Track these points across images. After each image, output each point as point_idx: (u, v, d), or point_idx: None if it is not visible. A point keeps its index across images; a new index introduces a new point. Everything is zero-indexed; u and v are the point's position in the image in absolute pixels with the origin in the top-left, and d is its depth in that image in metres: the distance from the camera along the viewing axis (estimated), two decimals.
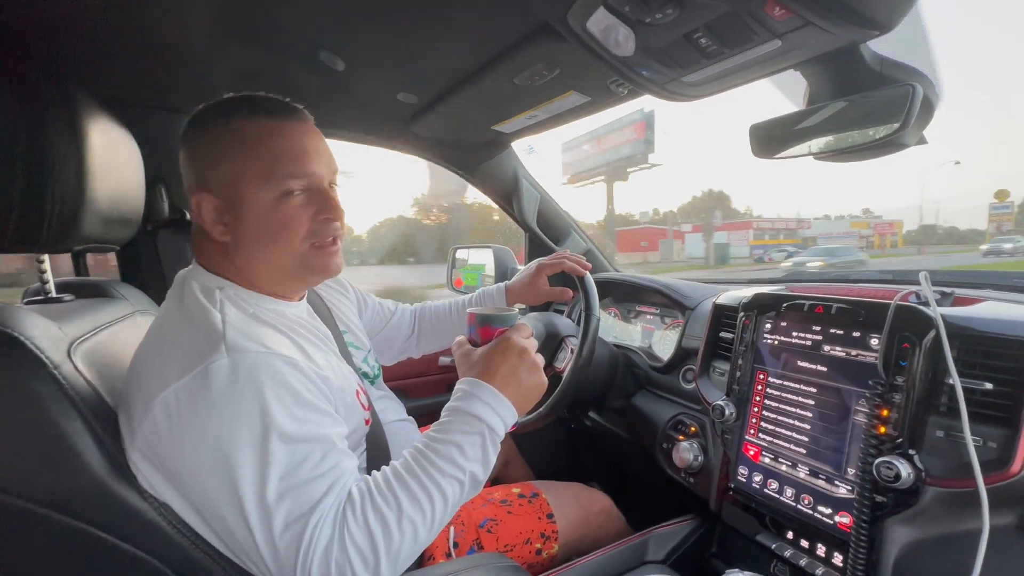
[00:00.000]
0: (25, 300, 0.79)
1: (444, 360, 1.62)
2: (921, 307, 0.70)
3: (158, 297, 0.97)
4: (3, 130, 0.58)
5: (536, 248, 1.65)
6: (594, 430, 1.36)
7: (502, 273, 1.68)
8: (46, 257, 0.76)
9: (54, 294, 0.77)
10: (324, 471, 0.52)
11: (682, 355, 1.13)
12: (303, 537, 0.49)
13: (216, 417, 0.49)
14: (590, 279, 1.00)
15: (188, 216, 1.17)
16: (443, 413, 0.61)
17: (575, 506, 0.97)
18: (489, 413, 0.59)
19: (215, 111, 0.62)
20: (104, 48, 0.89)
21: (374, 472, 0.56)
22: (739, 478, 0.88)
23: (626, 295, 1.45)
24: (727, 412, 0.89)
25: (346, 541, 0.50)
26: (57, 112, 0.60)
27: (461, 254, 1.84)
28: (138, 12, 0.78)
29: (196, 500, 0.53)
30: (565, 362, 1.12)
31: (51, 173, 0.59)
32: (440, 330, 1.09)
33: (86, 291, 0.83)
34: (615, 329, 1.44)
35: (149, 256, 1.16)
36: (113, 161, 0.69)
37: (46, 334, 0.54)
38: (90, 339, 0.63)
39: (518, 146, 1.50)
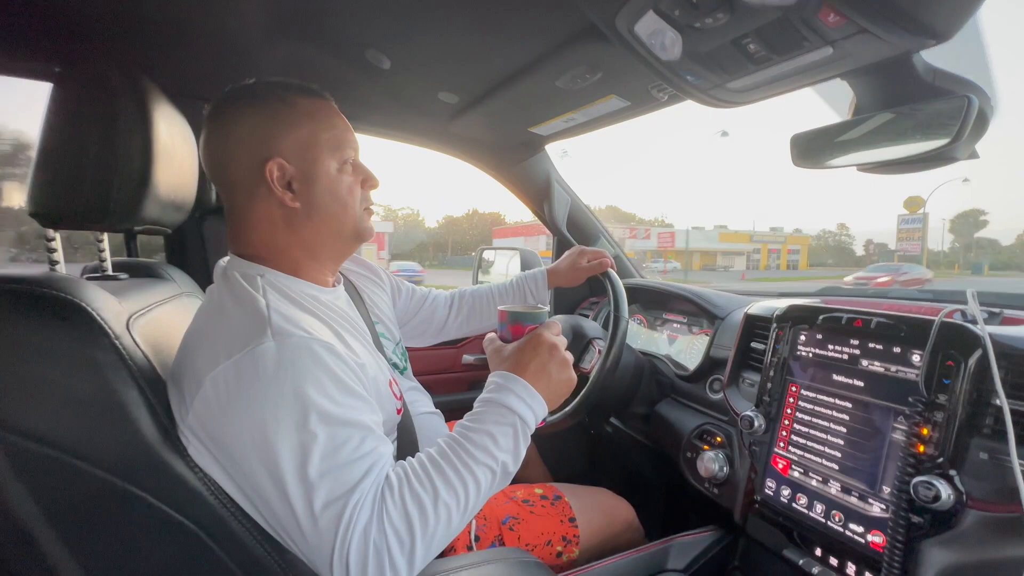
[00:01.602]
0: (84, 276, 0.84)
1: (467, 358, 1.63)
2: (968, 325, 0.68)
3: (201, 280, 1.01)
4: (80, 117, 0.62)
5: (564, 251, 1.65)
6: (615, 436, 1.35)
7: None
8: (105, 237, 0.81)
9: (111, 272, 0.81)
10: (363, 454, 0.53)
11: (710, 365, 1.12)
12: (343, 516, 0.50)
13: (262, 397, 0.51)
14: (619, 282, 1.01)
15: None
16: (476, 404, 0.62)
17: (599, 513, 0.97)
18: (521, 405, 0.60)
19: (266, 88, 0.65)
20: (166, 41, 0.94)
21: (409, 458, 0.57)
22: (766, 491, 0.86)
23: (653, 302, 1.44)
24: (756, 424, 0.88)
25: (384, 522, 0.51)
26: (127, 102, 0.64)
27: (488, 255, 1.86)
28: (197, 7, 0.82)
29: (240, 475, 0.55)
30: (592, 363, 1.12)
31: (120, 158, 0.63)
32: (483, 311, 1.13)
33: (138, 271, 0.87)
34: (641, 336, 1.43)
35: (194, 241, 1.21)
36: (173, 149, 0.72)
37: (108, 307, 0.57)
38: (145, 315, 0.66)
39: (552, 150, 1.52)
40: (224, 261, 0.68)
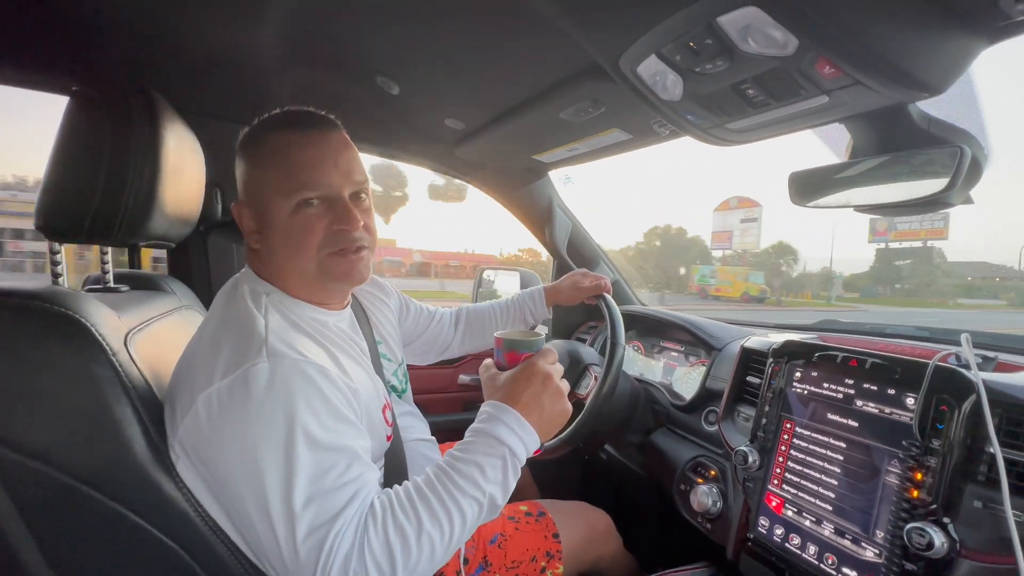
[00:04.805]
0: (86, 288, 0.84)
1: (464, 379, 1.63)
2: (961, 370, 0.68)
3: (202, 293, 1.02)
4: (94, 133, 0.63)
5: (563, 274, 1.66)
6: (608, 463, 1.34)
7: None
8: (109, 250, 0.82)
9: (112, 284, 0.82)
10: (348, 480, 0.53)
11: (705, 396, 1.12)
12: (324, 545, 0.49)
13: (253, 419, 0.51)
14: (616, 309, 1.01)
15: None
16: (467, 434, 0.61)
17: (581, 525, 0.98)
18: (512, 437, 0.59)
19: (258, 126, 0.66)
20: (182, 62, 0.96)
21: (396, 487, 0.57)
22: (759, 529, 0.85)
23: (650, 330, 1.45)
24: (750, 459, 0.87)
25: (365, 552, 0.50)
26: (141, 120, 0.66)
27: (488, 275, 1.87)
28: (216, 31, 0.85)
29: (225, 498, 0.54)
30: (588, 389, 1.12)
31: (130, 175, 0.64)
32: (484, 329, 1.13)
33: (140, 283, 0.88)
34: (637, 363, 1.43)
35: (197, 254, 1.22)
36: (182, 166, 0.74)
37: (107, 322, 0.58)
38: (144, 329, 0.66)
39: (555, 175, 1.54)
40: (239, 275, 0.69)
